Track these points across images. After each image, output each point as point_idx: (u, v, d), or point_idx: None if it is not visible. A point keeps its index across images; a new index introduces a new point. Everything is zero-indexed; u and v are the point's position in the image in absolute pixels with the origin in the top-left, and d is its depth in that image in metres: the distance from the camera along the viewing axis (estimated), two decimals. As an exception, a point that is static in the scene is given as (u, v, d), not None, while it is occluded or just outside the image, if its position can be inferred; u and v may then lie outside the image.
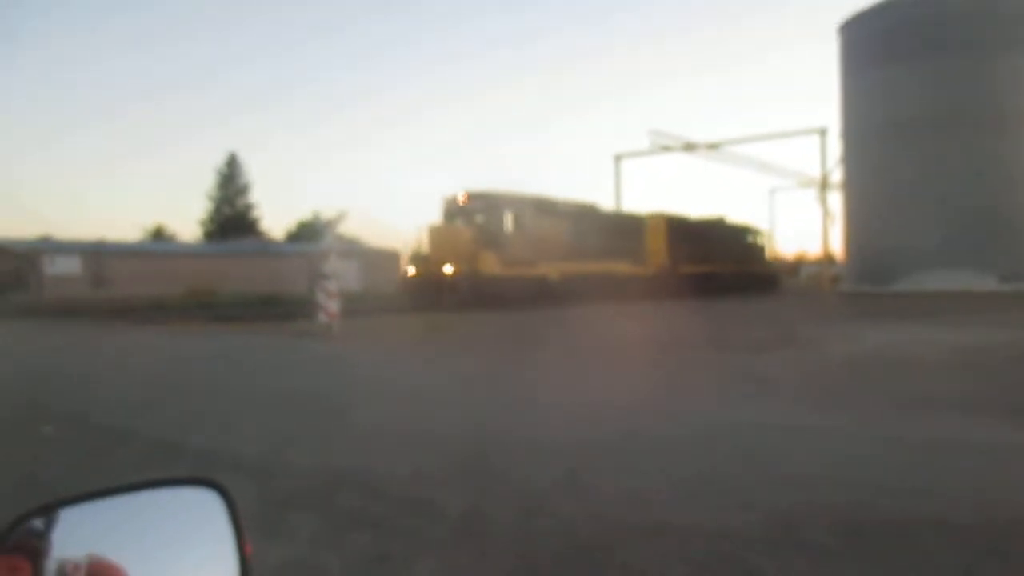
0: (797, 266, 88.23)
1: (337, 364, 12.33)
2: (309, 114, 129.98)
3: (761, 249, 51.99)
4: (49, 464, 5.68)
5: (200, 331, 19.06)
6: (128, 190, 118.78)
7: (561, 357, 12.71)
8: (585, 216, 33.76)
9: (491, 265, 27.97)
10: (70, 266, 45.89)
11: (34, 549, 0.75)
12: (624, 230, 36.36)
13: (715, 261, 42.57)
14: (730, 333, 16.78)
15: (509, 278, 28.49)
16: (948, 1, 40.75)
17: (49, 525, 0.75)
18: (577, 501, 4.52)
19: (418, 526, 4.12)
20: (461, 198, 29.67)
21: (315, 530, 4.06)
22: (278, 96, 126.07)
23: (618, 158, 54.65)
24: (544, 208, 31.29)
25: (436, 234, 29.50)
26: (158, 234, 78.92)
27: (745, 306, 29.87)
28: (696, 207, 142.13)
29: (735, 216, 60.04)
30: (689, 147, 52.40)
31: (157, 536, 0.80)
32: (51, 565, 0.75)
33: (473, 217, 29.25)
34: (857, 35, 45.56)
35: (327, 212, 26.24)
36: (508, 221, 29.54)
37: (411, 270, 29.20)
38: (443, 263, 27.52)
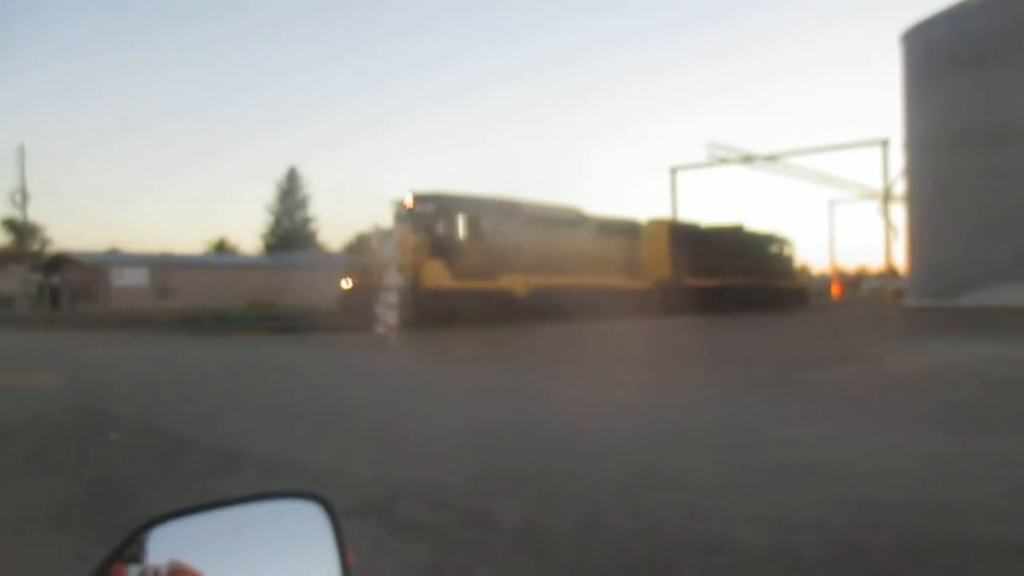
0: (858, 280, 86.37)
1: (398, 375, 12.45)
2: (369, 124, 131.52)
3: (788, 261, 46.91)
4: (117, 470, 5.84)
5: (261, 342, 19.43)
6: (193, 203, 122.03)
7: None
8: (562, 222, 29.78)
9: (438, 277, 24.25)
10: (137, 278, 47.26)
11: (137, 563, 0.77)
12: (615, 238, 32.26)
13: (730, 274, 38.09)
14: (759, 351, 16.46)
15: (462, 292, 24.74)
16: (1016, 8, 39.61)
17: (156, 539, 0.77)
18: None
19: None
20: (408, 200, 25.97)
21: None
22: (340, 106, 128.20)
23: (673, 170, 54.20)
24: (508, 212, 27.34)
25: (378, 241, 25.36)
26: (220, 247, 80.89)
27: (767, 325, 27.43)
28: (752, 220, 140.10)
29: (770, 225, 57.90)
30: (747, 159, 51.74)
31: (262, 549, 0.82)
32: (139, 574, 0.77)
33: (422, 222, 25.48)
34: (921, 44, 44.48)
35: (384, 223, 24.50)
36: (462, 226, 25.98)
37: (346, 282, 25.21)
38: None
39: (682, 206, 51.69)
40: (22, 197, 37.39)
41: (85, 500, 5.08)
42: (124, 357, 15.38)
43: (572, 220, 30.18)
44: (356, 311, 22.58)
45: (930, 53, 43.61)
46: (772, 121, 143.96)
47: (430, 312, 22.82)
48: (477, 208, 26.67)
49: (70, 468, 5.96)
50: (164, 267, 47.63)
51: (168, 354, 16.66)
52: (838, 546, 3.90)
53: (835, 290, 65.40)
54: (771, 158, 51.69)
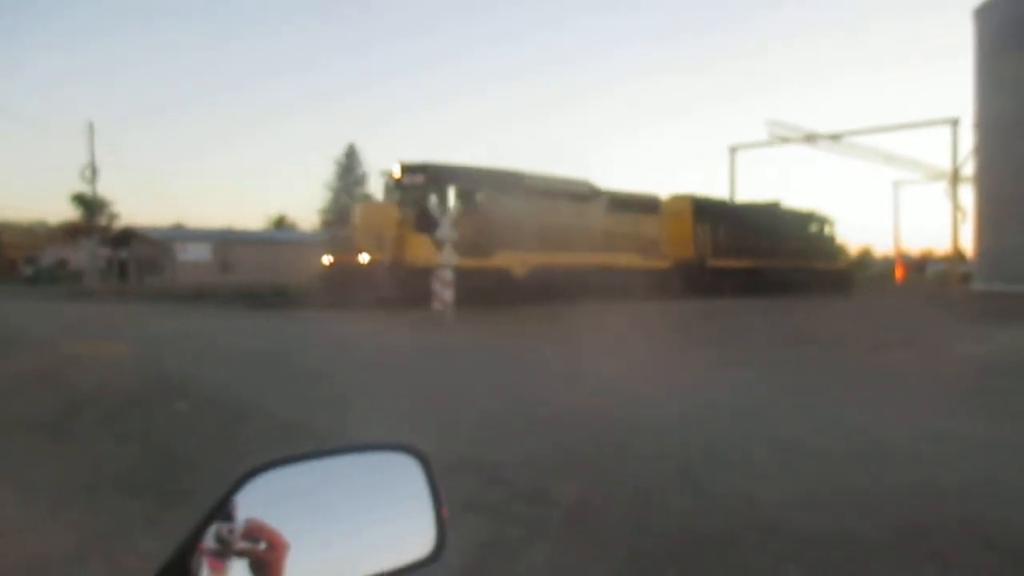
0: (923, 263, 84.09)
1: (454, 352, 12.56)
2: (428, 100, 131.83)
3: (829, 241, 42.84)
4: (184, 438, 6.02)
5: (319, 317, 19.66)
6: (254, 179, 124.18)
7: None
8: (569, 195, 27.38)
9: (424, 254, 21.87)
10: (200, 253, 48.40)
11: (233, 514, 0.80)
12: (631, 215, 29.45)
13: (762, 254, 35.34)
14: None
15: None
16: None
17: (255, 487, 0.80)
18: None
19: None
20: (396, 171, 24.16)
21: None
22: (401, 81, 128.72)
23: (733, 149, 53.33)
24: (505, 184, 25.14)
25: (363, 215, 24.34)
26: (280, 223, 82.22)
27: (800, 310, 24.77)
28: (812, 202, 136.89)
29: (830, 207, 55.72)
30: (809, 138, 50.60)
31: (357, 499, 0.85)
32: (213, 529, 0.80)
33: (410, 194, 23.71)
34: (994, 20, 42.81)
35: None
36: (452, 199, 23.69)
37: (327, 258, 23.76)
38: (365, 250, 22.48)
39: (741, 187, 50.63)
40: (92, 172, 38.41)
41: (153, 466, 5.25)
42: (189, 329, 15.77)
43: (580, 194, 27.76)
44: (338, 288, 22.37)
45: (1004, 30, 41.97)
46: (836, 101, 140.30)
47: (412, 291, 21.26)
48: (470, 179, 24.39)
49: (139, 435, 6.17)
50: (225, 243, 48.67)
51: (232, 327, 17.03)
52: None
53: (899, 273, 63.76)
54: (834, 137, 50.48)
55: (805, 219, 40.56)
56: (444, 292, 17.88)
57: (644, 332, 15.96)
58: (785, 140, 50.36)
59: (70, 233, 64.78)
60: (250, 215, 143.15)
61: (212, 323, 17.97)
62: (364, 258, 22.26)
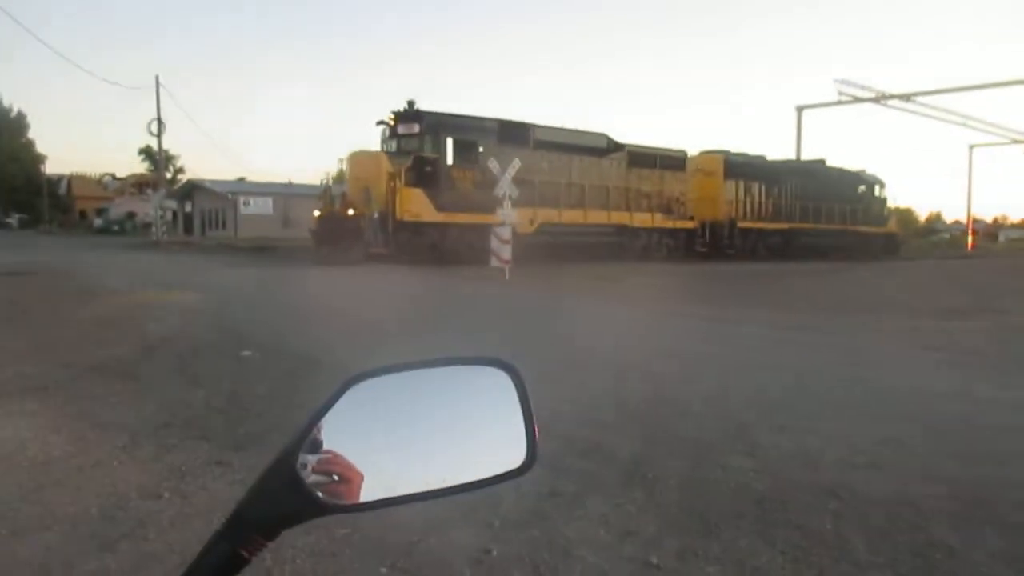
0: (996, 230, 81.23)
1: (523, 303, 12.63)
2: (491, 56, 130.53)
3: (879, 203, 39.59)
4: (249, 384, 6.20)
5: (383, 270, 19.80)
6: (315, 134, 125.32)
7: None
8: (583, 149, 25.53)
9: (418, 208, 21.12)
10: (263, 207, 49.23)
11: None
12: (654, 172, 27.64)
13: (801, 216, 33.62)
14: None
15: (448, 226, 21.85)
16: None
17: (356, 392, 0.83)
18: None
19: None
20: (390, 119, 22.71)
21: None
22: (468, 33, 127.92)
23: (800, 109, 51.87)
24: (511, 136, 23.32)
25: (354, 165, 22.69)
26: (340, 179, 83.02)
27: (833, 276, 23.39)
28: (881, 165, 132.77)
29: (900, 169, 52.84)
30: (879, 98, 48.93)
31: (452, 409, 0.88)
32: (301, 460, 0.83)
33: (406, 145, 22.32)
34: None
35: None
36: (451, 150, 22.21)
37: (317, 211, 22.77)
38: (357, 203, 21.38)
39: (808, 147, 49.27)
40: (158, 126, 39.23)
41: (220, 410, 5.43)
42: (255, 279, 16.10)
43: (596, 148, 25.97)
44: (328, 241, 21.36)
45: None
46: (908, 60, 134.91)
47: (407, 247, 20.90)
48: (471, 129, 22.77)
49: (207, 380, 6.37)
50: (287, 197, 49.40)
51: (296, 278, 17.35)
52: None
53: (970, 240, 61.73)
54: (905, 97, 48.76)
55: (852, 179, 37.84)
56: (502, 250, 17.94)
57: (693, 294, 15.80)
58: (854, 100, 48.80)
59: (138, 186, 66.51)
60: (313, 171, 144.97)
61: (276, 274, 18.30)
62: (351, 212, 21.26)
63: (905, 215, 72.56)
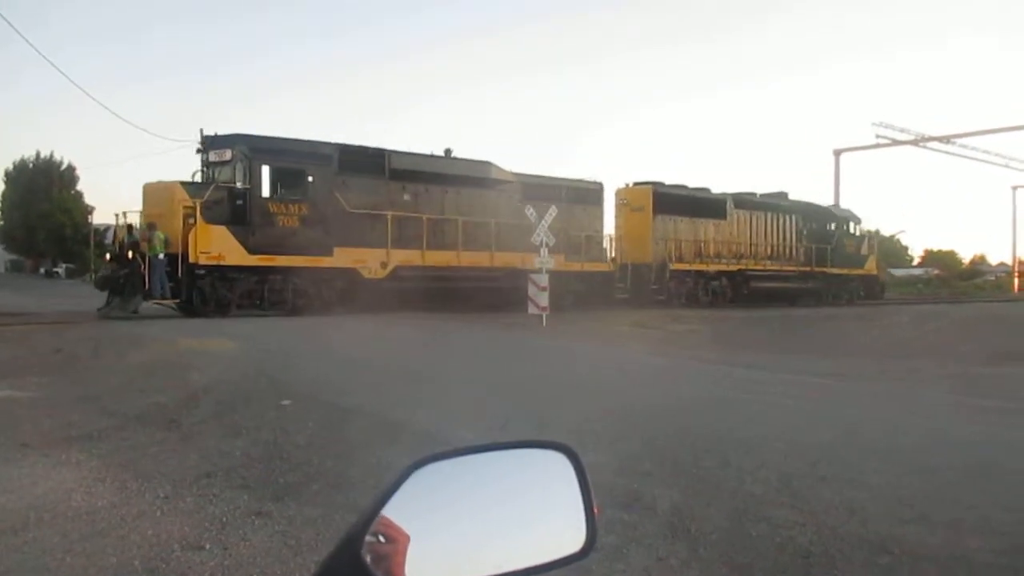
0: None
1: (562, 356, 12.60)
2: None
3: (856, 243, 35.19)
4: (288, 434, 6.23)
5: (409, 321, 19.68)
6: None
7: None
8: (458, 181, 21.75)
9: (220, 249, 17.27)
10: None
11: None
12: (557, 207, 21.51)
13: (754, 256, 29.48)
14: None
15: (269, 271, 18.09)
16: None
17: (419, 477, 0.84)
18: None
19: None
20: (200, 143, 18.90)
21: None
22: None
23: (837, 153, 51.64)
24: (355, 164, 19.72)
25: (147, 198, 18.51)
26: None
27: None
28: (924, 207, 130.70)
29: (934, 210, 49.25)
30: (919, 140, 48.58)
31: (513, 492, 0.89)
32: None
33: (220, 175, 18.60)
34: None
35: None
36: (267, 181, 18.34)
37: (108, 255, 18.96)
38: (144, 241, 17.24)
39: (847, 193, 48.77)
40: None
41: (260, 460, 5.45)
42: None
43: (476, 179, 22.09)
44: (115, 290, 17.28)
45: None
46: (948, 101, 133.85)
47: (213, 296, 17.40)
48: (298, 155, 18.87)
49: (247, 430, 6.42)
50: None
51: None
52: None
53: (1017, 282, 60.40)
54: (945, 139, 48.36)
55: (820, 215, 33.60)
56: (539, 297, 17.97)
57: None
58: (893, 143, 48.49)
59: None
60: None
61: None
62: (130, 254, 17.23)
63: (893, 247, 69.99)
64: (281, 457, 5.51)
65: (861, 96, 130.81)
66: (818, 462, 5.40)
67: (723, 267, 28.04)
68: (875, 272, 36.15)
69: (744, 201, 30.02)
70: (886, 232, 75.77)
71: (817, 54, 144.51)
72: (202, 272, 17.14)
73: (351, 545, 0.81)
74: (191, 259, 16.84)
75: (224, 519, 4.17)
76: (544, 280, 18.07)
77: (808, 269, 31.45)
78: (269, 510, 4.31)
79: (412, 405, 7.31)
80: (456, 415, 6.63)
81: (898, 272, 64.62)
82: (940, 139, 48.56)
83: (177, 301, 17.34)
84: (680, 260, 26.43)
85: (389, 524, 0.82)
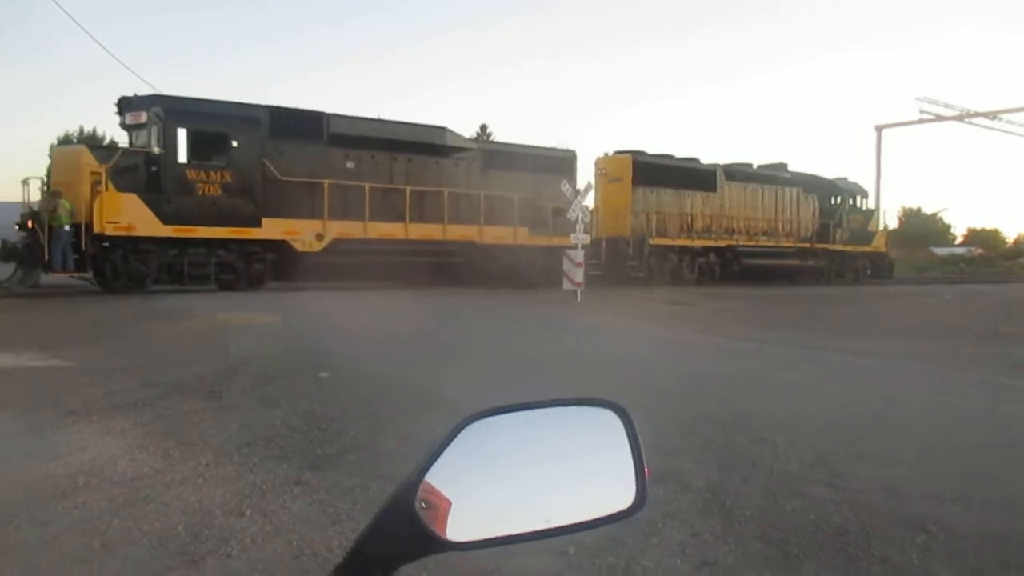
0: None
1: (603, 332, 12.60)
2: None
3: (862, 218, 33.19)
4: (325, 405, 6.32)
5: (442, 297, 19.76)
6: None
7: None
8: (408, 147, 20.00)
9: (130, 218, 16.04)
10: None
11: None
12: (522, 176, 21.49)
13: (746, 231, 27.71)
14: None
15: (186, 244, 16.90)
16: None
17: (472, 431, 0.86)
18: None
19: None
20: (116, 105, 17.47)
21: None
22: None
23: (879, 129, 50.62)
24: (287, 128, 18.23)
25: (55, 165, 17.89)
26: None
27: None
28: (966, 184, 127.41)
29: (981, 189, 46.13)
30: (964, 116, 47.47)
31: (562, 449, 0.91)
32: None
33: (137, 140, 17.57)
34: None
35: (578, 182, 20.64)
36: (183, 146, 16.93)
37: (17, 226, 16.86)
38: (48, 211, 15.84)
39: (889, 170, 47.74)
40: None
41: (298, 430, 5.55)
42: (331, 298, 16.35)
43: (430, 146, 20.43)
44: (25, 263, 16.09)
45: None
46: (992, 76, 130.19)
47: (124, 270, 16.24)
48: (221, 118, 17.48)
49: (285, 401, 6.52)
50: None
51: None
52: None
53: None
54: (991, 115, 47.20)
55: (822, 188, 31.24)
56: (575, 273, 17.95)
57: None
58: (937, 119, 47.44)
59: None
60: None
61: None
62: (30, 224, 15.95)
63: (935, 226, 67.61)
64: (319, 428, 5.60)
65: (903, 74, 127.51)
66: (854, 440, 5.37)
67: (711, 243, 26.45)
68: (883, 250, 34.58)
69: (736, 172, 28.22)
70: (928, 210, 74.60)
71: (860, 31, 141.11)
72: (109, 244, 16.05)
73: (405, 497, 0.83)
74: (96, 229, 15.66)
75: (264, 487, 4.26)
76: (579, 256, 18.02)
77: (808, 246, 29.84)
78: (307, 479, 4.39)
79: (448, 378, 7.37)
80: (490, 389, 6.66)
81: (940, 251, 63.52)
82: (986, 115, 47.40)
83: (83, 275, 16.33)
84: (663, 235, 24.94)
85: (442, 476, 0.84)
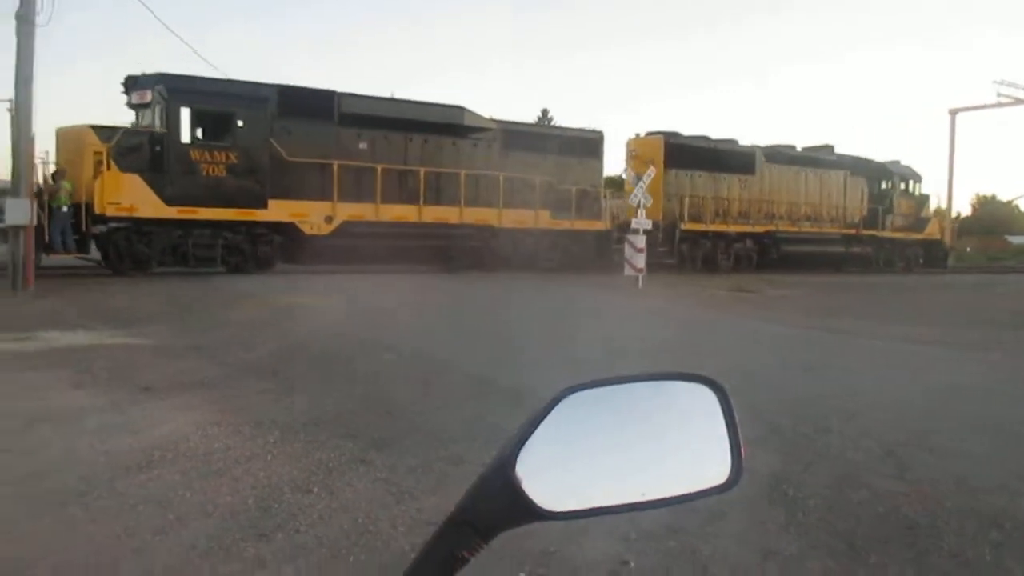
0: None
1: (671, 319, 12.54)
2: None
3: (915, 203, 31.21)
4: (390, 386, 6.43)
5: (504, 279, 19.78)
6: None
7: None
8: (423, 128, 19.49)
9: (132, 199, 15.73)
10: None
11: None
12: (545, 158, 21.06)
13: (789, 218, 26.56)
14: None
15: (191, 225, 16.53)
16: None
17: (568, 404, 0.88)
18: None
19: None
20: (123, 84, 17.23)
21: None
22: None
23: (953, 113, 48.89)
24: (296, 106, 17.80)
25: (59, 145, 17.04)
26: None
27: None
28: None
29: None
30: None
31: (657, 424, 0.92)
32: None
33: (143, 119, 17.17)
34: None
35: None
36: (185, 125, 16.69)
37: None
38: (51, 192, 15.51)
39: (962, 155, 46.08)
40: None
41: (363, 411, 5.66)
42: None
43: (446, 126, 19.77)
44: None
45: None
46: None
47: (128, 252, 16.00)
48: (226, 97, 17.03)
49: (350, 381, 6.65)
50: None
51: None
52: None
53: None
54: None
55: (871, 172, 29.59)
56: (636, 258, 17.83)
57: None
58: (1015, 102, 45.58)
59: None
60: None
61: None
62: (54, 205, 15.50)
63: (1011, 213, 64.73)
64: (382, 408, 5.70)
65: (979, 58, 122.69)
66: (924, 432, 5.24)
67: (747, 228, 25.33)
68: (938, 236, 32.39)
69: (778, 154, 26.89)
70: (1004, 198, 71.89)
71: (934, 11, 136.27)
72: (112, 225, 15.84)
73: (504, 466, 0.85)
74: (97, 210, 15.33)
75: (330, 465, 4.35)
76: (641, 242, 17.86)
77: (854, 232, 28.31)
78: (372, 458, 4.47)
79: (510, 364, 7.41)
80: (553, 374, 6.68)
81: (1016, 239, 61.23)
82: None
83: (87, 257, 16.31)
84: (697, 220, 23.88)
85: (539, 447, 0.86)
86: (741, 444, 0.90)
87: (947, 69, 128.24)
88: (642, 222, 17.90)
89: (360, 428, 5.14)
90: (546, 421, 0.87)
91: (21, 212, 12.90)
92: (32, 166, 13.86)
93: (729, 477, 0.90)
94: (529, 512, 0.84)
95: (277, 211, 17.31)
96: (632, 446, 0.89)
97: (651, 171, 18.66)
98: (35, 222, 13.42)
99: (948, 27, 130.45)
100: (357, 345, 8.49)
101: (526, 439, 0.86)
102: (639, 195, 18.03)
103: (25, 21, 12.87)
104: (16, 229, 12.91)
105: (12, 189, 13.52)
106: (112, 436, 4.84)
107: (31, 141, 13.39)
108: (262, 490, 3.94)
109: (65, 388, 6.09)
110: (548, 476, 0.85)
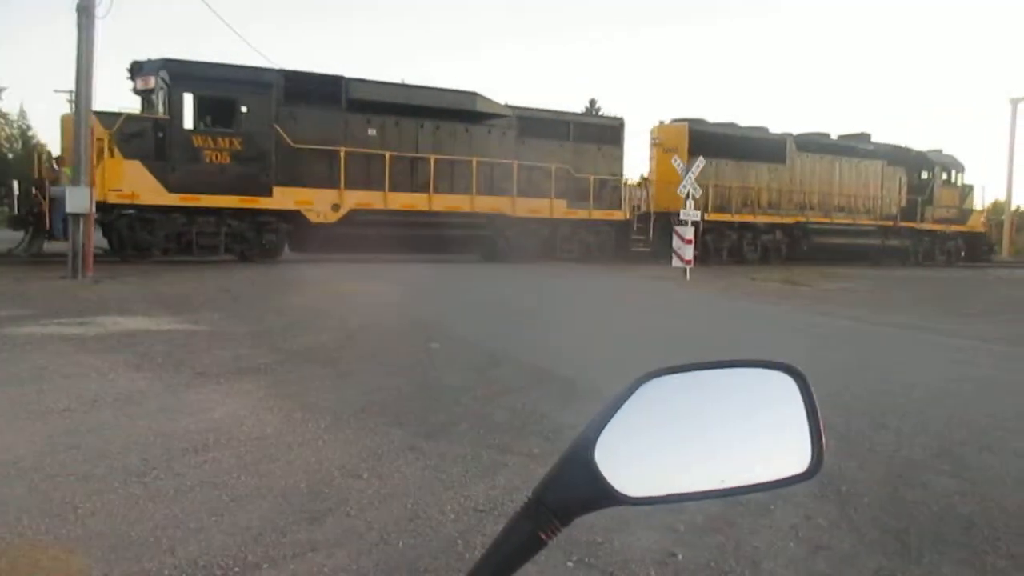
0: None
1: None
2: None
3: (957, 194, 29.76)
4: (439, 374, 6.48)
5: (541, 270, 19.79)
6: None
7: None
8: (435, 114, 19.14)
9: (133, 186, 15.65)
10: None
11: None
12: (563, 146, 20.77)
13: (820, 208, 25.81)
14: None
15: (195, 213, 16.37)
16: None
17: (649, 388, 0.89)
18: None
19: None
20: (128, 70, 17.23)
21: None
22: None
23: (1015, 102, 47.38)
24: (302, 92, 17.52)
25: (64, 132, 16.78)
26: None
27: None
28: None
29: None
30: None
31: (737, 410, 0.92)
32: None
33: (145, 104, 17.17)
34: None
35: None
36: (188, 111, 16.56)
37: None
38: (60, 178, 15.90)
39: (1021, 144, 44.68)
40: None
41: (412, 398, 5.72)
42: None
43: (459, 112, 19.38)
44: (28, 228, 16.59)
45: None
46: None
47: (130, 239, 16.01)
48: (230, 83, 16.77)
49: (400, 369, 6.72)
50: None
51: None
52: None
53: None
54: None
55: (910, 161, 28.40)
56: (684, 250, 17.69)
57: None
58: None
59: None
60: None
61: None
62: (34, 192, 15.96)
63: None
64: (431, 396, 5.75)
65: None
66: (983, 431, 5.13)
67: (776, 219, 24.54)
68: (980, 229, 31.05)
69: (810, 142, 26.05)
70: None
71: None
72: (114, 212, 15.68)
73: (584, 449, 0.86)
74: (98, 197, 14.68)
75: (380, 451, 4.41)
76: (689, 233, 17.72)
77: (891, 224, 27.37)
78: (421, 446, 4.52)
79: (560, 354, 7.42)
80: (602, 364, 6.67)
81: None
82: None
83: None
84: (723, 210, 23.20)
85: (618, 432, 0.86)
86: (822, 432, 0.90)
87: (1000, 57, 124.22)
88: (690, 213, 17.76)
89: (410, 415, 5.21)
90: (625, 406, 0.87)
91: (82, 200, 13.27)
92: (93, 158, 14.09)
93: (809, 466, 0.89)
94: (608, 497, 0.85)
95: (282, 199, 17.15)
96: (711, 432, 0.89)
97: (700, 161, 18.40)
98: (93, 211, 13.77)
99: (999, 9, 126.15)
100: (410, 332, 8.59)
101: (605, 424, 0.86)
102: (688, 185, 17.88)
103: (86, 13, 13.19)
104: (76, 217, 13.29)
105: (73, 178, 13.93)
106: (170, 418, 4.97)
107: (91, 131, 13.76)
108: (313, 474, 4.02)
109: (125, 371, 6.26)
110: (627, 461, 0.86)
